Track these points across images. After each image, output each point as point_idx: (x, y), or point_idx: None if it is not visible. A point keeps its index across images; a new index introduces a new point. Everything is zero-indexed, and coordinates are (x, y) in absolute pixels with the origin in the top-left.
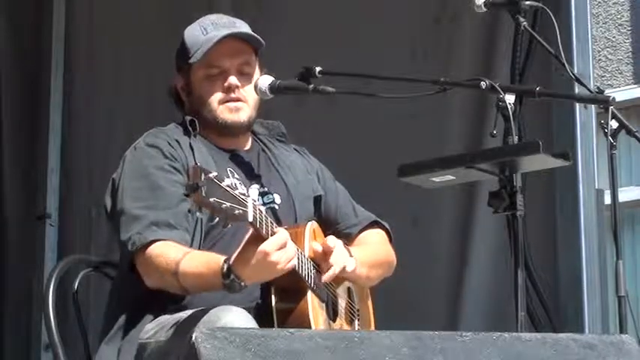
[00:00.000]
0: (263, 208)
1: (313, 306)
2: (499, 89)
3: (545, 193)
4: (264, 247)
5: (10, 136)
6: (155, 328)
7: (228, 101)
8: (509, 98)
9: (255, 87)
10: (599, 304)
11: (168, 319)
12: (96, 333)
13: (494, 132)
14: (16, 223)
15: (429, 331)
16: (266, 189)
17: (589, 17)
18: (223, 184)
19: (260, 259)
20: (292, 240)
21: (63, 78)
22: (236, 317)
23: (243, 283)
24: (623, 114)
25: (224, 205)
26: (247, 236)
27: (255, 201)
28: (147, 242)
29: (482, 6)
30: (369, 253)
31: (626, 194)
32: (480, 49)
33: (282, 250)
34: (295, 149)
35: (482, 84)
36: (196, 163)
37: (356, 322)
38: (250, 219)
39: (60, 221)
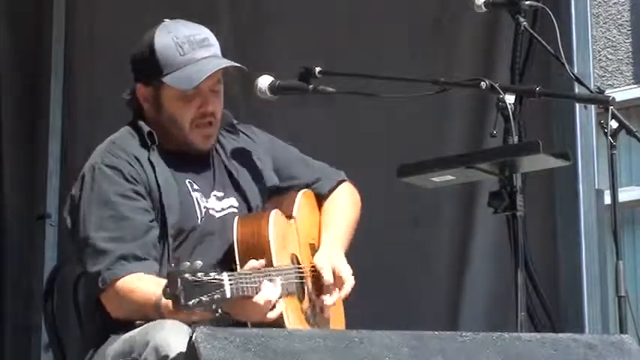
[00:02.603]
0: (236, 275)
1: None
2: (499, 89)
3: (545, 193)
4: (259, 299)
5: (10, 136)
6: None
7: (200, 125)
8: (509, 98)
9: (255, 87)
10: (599, 304)
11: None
12: None
13: (495, 132)
14: (16, 223)
15: (429, 331)
16: (223, 193)
17: (589, 17)
18: (197, 277)
19: (251, 312)
20: (256, 234)
21: (63, 78)
22: (169, 334)
23: (231, 316)
24: (623, 114)
25: (204, 299)
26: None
27: (230, 275)
28: (118, 277)
29: (482, 6)
30: (345, 226)
31: (626, 194)
32: (480, 49)
33: (270, 304)
34: (243, 133)
35: (483, 84)
36: (170, 264)
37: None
38: (228, 295)
39: (60, 221)
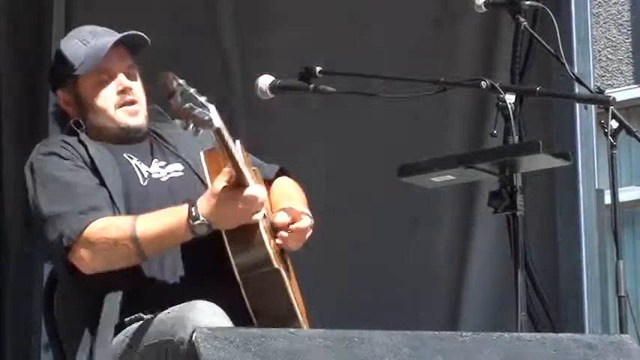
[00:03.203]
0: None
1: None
2: (499, 89)
3: (545, 193)
4: (253, 191)
5: (10, 136)
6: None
7: (124, 104)
8: (509, 98)
9: (255, 87)
10: (599, 304)
11: (135, 328)
12: None
13: (495, 132)
14: (16, 223)
15: (429, 331)
16: (165, 162)
17: (589, 17)
18: (191, 90)
19: (243, 206)
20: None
21: None
22: (202, 314)
23: (210, 228)
24: (623, 114)
25: (196, 111)
26: (221, 179)
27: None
28: (80, 231)
29: (483, 6)
30: (298, 201)
31: (626, 194)
32: (480, 49)
33: (261, 198)
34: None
35: (483, 84)
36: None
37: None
38: (218, 124)
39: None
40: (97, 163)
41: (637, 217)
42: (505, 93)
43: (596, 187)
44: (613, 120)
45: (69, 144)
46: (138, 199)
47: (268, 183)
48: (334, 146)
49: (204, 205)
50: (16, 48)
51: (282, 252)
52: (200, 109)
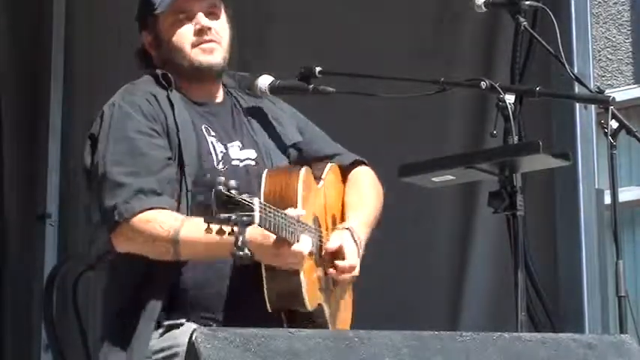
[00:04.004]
0: (268, 206)
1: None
2: (499, 89)
3: (545, 193)
4: (299, 248)
5: (10, 136)
6: (165, 351)
7: (201, 43)
8: (509, 98)
9: (255, 87)
10: (599, 304)
11: (176, 342)
12: (96, 333)
13: (495, 132)
14: (16, 223)
15: (429, 331)
16: (241, 145)
17: (589, 17)
18: (230, 193)
19: (287, 260)
20: (284, 185)
21: (63, 78)
22: None
23: (250, 261)
24: (623, 114)
25: (233, 217)
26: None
27: (261, 204)
28: (134, 212)
29: (483, 6)
30: (369, 210)
31: (626, 194)
32: (480, 49)
33: (305, 252)
34: (269, 100)
35: (483, 84)
36: (205, 176)
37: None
38: (257, 221)
39: (60, 221)
40: (180, 132)
41: (637, 217)
42: (505, 93)
43: (596, 187)
44: (613, 120)
45: (157, 100)
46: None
47: (345, 170)
48: None
49: (253, 240)
50: (16, 48)
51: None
52: (236, 216)
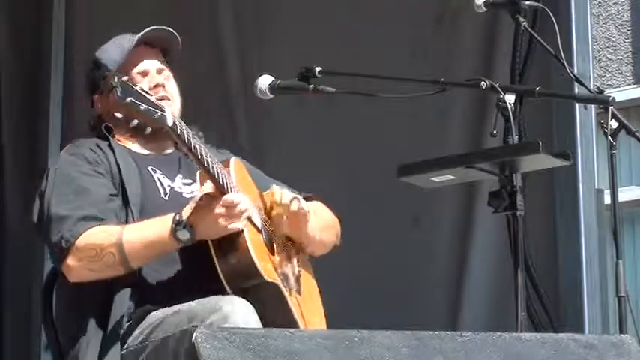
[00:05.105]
0: (184, 124)
1: (251, 238)
2: (499, 89)
3: (545, 193)
4: (230, 197)
5: (10, 136)
6: (147, 329)
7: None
8: (509, 98)
9: (255, 87)
10: (599, 304)
11: (157, 317)
12: None
13: (495, 132)
14: (16, 223)
15: (429, 331)
16: (191, 181)
17: (589, 17)
18: (137, 87)
19: (221, 211)
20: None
21: (63, 78)
22: (236, 307)
23: (193, 235)
24: (623, 114)
25: (142, 107)
26: (202, 190)
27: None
28: (79, 234)
29: (482, 6)
30: (319, 217)
31: (626, 194)
32: (480, 49)
33: (241, 205)
34: (216, 150)
35: (483, 84)
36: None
37: (295, 263)
38: (169, 123)
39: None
40: (122, 170)
41: (637, 217)
42: (505, 93)
43: (596, 187)
44: (613, 120)
45: (99, 147)
46: (155, 212)
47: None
48: (334, 146)
49: (187, 212)
50: (16, 48)
51: (298, 274)
52: (146, 106)
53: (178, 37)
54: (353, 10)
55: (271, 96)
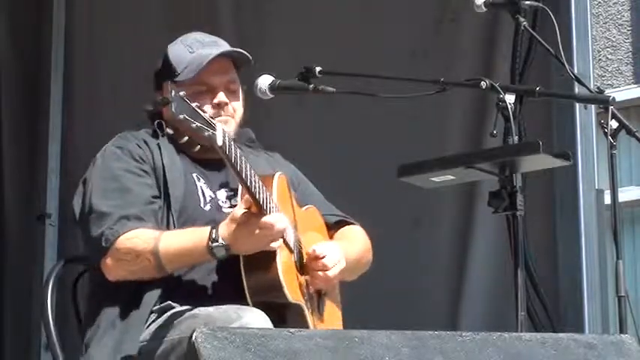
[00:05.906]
0: (233, 143)
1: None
2: (499, 89)
3: (545, 193)
4: (270, 219)
5: (11, 137)
6: (165, 327)
7: (217, 117)
8: (509, 98)
9: (255, 87)
10: (599, 304)
11: (175, 317)
12: None
13: (495, 132)
14: (16, 223)
15: (429, 331)
16: (233, 194)
17: (589, 17)
18: (193, 104)
19: (259, 232)
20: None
21: (63, 78)
22: (254, 318)
23: (228, 252)
24: (623, 114)
25: (194, 125)
26: (241, 206)
27: (224, 130)
28: (119, 235)
29: (482, 6)
30: (353, 248)
31: (626, 194)
32: (480, 49)
33: (279, 226)
34: (266, 153)
35: (483, 84)
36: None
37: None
38: (219, 143)
39: (60, 221)
40: (166, 171)
41: (637, 217)
42: (505, 93)
43: (596, 187)
44: (613, 120)
45: (147, 144)
46: (194, 220)
47: (329, 228)
48: (334, 146)
49: (224, 228)
50: (16, 48)
51: (324, 295)
52: (199, 124)
53: (251, 58)
54: (353, 10)
55: (271, 96)
